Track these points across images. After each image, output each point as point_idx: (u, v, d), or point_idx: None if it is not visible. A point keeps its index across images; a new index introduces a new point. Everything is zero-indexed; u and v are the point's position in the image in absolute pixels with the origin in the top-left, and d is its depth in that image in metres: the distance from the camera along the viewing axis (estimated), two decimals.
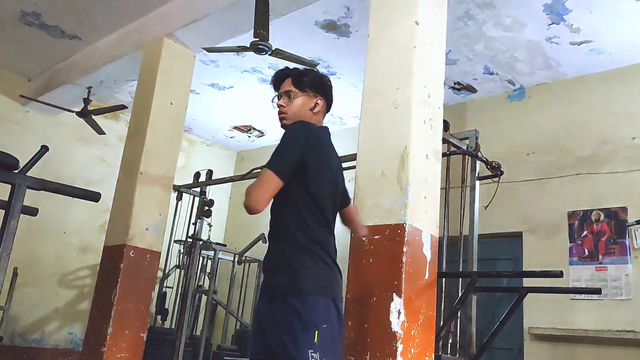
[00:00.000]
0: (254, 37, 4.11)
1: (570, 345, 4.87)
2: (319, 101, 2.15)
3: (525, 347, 5.11)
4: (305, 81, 2.14)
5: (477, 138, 4.32)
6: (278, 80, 2.19)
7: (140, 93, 4.94)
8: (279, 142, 2.02)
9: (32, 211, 3.51)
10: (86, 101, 6.21)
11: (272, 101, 2.17)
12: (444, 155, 3.73)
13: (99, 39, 5.76)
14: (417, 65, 2.87)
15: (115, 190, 4.73)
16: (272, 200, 1.97)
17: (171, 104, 4.82)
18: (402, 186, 2.68)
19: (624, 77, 5.24)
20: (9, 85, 6.65)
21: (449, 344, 3.90)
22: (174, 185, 5.32)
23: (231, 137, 8.22)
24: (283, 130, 2.12)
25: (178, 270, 6.50)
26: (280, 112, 2.15)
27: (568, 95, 5.53)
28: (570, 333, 4.83)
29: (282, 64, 5.69)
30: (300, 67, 2.30)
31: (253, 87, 6.49)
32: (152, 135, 4.65)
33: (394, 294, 2.52)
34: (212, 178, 6.20)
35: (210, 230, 6.42)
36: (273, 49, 4.22)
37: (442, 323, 3.71)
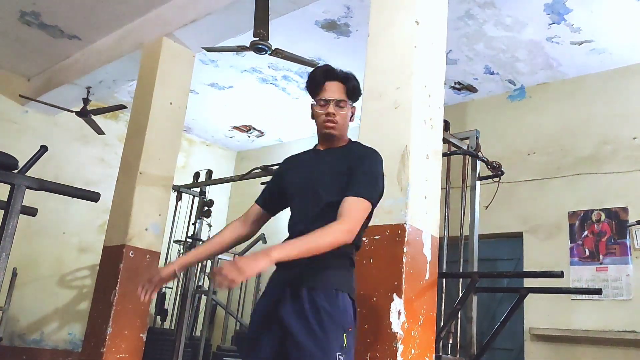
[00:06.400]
0: (254, 36, 4.10)
1: (571, 345, 4.86)
2: (353, 110, 2.10)
3: (526, 348, 5.10)
4: (353, 93, 2.05)
5: (477, 138, 4.31)
6: (325, 77, 2.05)
7: (140, 93, 4.94)
8: (364, 161, 1.97)
9: (32, 211, 3.50)
10: (85, 101, 6.20)
11: (317, 102, 2.04)
12: (444, 155, 3.72)
13: (99, 38, 5.75)
14: (417, 65, 2.86)
15: (115, 190, 4.72)
16: (328, 207, 1.93)
17: (171, 103, 4.82)
18: (402, 186, 2.67)
19: (624, 77, 5.23)
20: (8, 85, 6.64)
21: (450, 345, 3.89)
22: (174, 185, 5.32)
23: (231, 137, 8.21)
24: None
25: None
26: (331, 121, 2.03)
27: (568, 95, 5.53)
28: (570, 333, 4.82)
29: (282, 63, 5.72)
30: (334, 67, 2.11)
31: (253, 86, 6.48)
32: (151, 135, 4.64)
33: (394, 295, 2.51)
34: (212, 178, 6.19)
35: (210, 231, 6.41)
36: (273, 48, 4.21)
37: (442, 323, 3.70)
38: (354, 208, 1.85)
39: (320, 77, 2.05)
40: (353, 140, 2.16)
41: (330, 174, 1.99)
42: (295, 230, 1.99)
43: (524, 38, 5.00)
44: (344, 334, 1.80)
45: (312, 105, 2.08)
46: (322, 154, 2.09)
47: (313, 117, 2.09)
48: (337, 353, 1.76)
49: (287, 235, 2.03)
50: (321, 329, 1.78)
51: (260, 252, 1.68)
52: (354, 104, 2.10)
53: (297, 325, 1.80)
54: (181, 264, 2.12)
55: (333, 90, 2.03)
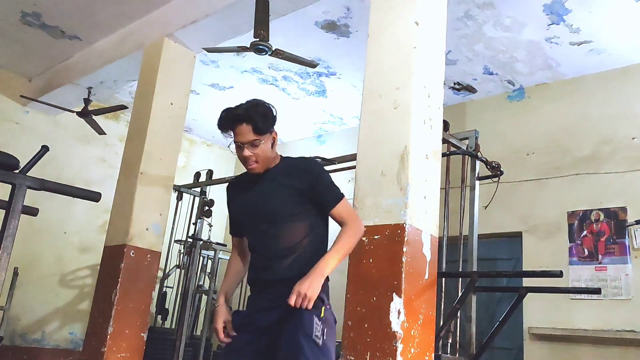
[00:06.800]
0: (254, 37, 4.12)
1: (570, 345, 4.87)
2: (274, 135, 2.18)
3: (525, 347, 5.12)
4: (263, 127, 2.11)
5: (476, 138, 4.32)
6: (230, 124, 2.13)
7: (141, 93, 4.95)
8: (320, 176, 2.18)
9: (33, 211, 3.51)
10: (86, 101, 6.22)
11: (229, 147, 2.19)
12: (444, 155, 3.73)
13: (99, 39, 5.77)
14: (417, 65, 2.88)
15: (116, 190, 4.73)
16: (296, 223, 2.13)
17: (171, 104, 4.83)
18: (402, 186, 2.68)
19: (624, 77, 5.25)
20: (9, 85, 6.65)
21: (449, 344, 3.90)
22: (174, 185, 5.33)
23: (231, 137, 8.21)
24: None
25: (178, 270, 6.50)
26: (251, 163, 2.14)
27: (568, 95, 5.54)
28: (569, 333, 4.84)
29: (282, 64, 5.73)
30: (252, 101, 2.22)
31: (253, 87, 6.49)
32: (152, 135, 4.66)
33: (394, 294, 2.52)
34: (212, 178, 6.20)
35: (210, 230, 6.42)
36: (273, 49, 4.22)
37: (442, 323, 3.72)
38: (345, 210, 2.18)
39: (227, 124, 2.14)
40: (284, 156, 2.28)
41: (280, 189, 2.14)
42: (256, 248, 2.18)
43: (523, 38, 5.02)
44: (322, 308, 2.04)
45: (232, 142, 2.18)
46: (262, 176, 2.19)
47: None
48: (315, 318, 1.99)
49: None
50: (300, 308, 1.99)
51: (314, 275, 2.00)
52: (272, 130, 2.16)
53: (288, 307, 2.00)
54: (226, 298, 2.28)
55: (243, 133, 2.11)
